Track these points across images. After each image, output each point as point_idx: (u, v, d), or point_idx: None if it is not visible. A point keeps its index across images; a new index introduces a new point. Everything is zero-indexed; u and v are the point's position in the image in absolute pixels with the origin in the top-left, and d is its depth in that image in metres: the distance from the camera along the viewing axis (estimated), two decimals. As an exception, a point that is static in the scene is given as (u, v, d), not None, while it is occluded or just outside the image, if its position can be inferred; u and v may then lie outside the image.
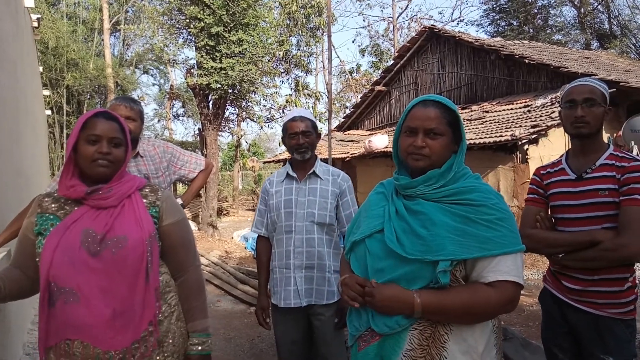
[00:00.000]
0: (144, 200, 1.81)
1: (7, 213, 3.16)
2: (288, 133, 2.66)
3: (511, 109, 10.27)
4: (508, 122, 9.11)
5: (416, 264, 1.49)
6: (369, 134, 13.94)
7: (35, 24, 7.90)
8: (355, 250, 1.68)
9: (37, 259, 1.69)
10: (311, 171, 2.66)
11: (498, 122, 9.52)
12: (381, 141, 10.76)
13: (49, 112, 14.04)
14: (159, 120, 26.51)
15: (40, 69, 10.56)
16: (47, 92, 12.99)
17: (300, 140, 2.61)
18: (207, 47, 12.12)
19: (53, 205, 1.77)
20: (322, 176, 2.66)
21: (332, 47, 11.23)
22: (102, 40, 19.81)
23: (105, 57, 18.87)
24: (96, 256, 1.66)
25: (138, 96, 23.36)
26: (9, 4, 4.98)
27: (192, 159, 3.15)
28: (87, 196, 1.73)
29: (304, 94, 19.59)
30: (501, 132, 8.40)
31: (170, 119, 24.95)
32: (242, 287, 6.64)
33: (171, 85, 21.93)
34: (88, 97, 19.63)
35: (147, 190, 1.86)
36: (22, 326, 4.03)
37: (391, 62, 16.77)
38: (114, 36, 22.44)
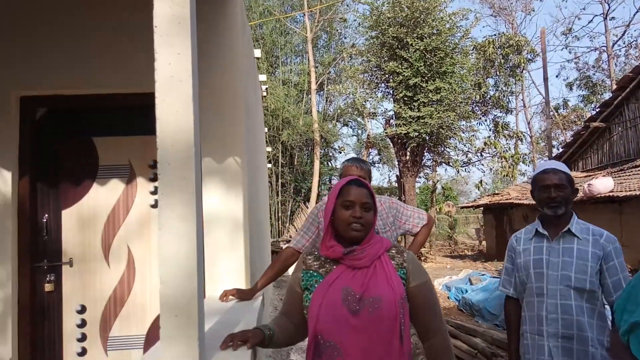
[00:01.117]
0: (392, 262, 1.93)
1: (258, 259, 3.70)
2: (538, 186, 2.49)
3: None
4: None
5: None
6: (585, 176, 12.37)
7: (265, 94, 9.37)
8: (636, 332, 1.48)
9: (305, 312, 1.93)
10: (565, 229, 2.42)
11: None
12: (605, 184, 9.44)
13: (269, 165, 16.23)
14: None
15: (265, 129, 12.34)
16: (269, 149, 15.08)
17: (553, 194, 2.42)
18: (405, 98, 12.58)
19: (315, 263, 2.01)
20: (579, 235, 2.40)
21: (534, 84, 10.48)
22: (310, 99, 22.25)
23: (312, 114, 21.10)
24: (356, 314, 1.81)
25: (339, 147, 25.35)
26: (255, 79, 6.05)
27: (415, 214, 3.25)
28: (344, 256, 1.92)
29: (504, 135, 18.57)
30: None
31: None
32: (454, 342, 6.40)
33: (368, 135, 23.22)
34: (297, 149, 22.07)
35: (393, 251, 1.98)
36: None
37: (609, 94, 14.80)
38: (319, 95, 25.00)
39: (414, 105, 12.35)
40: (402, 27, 12.42)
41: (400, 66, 12.26)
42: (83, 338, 3.25)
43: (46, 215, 3.30)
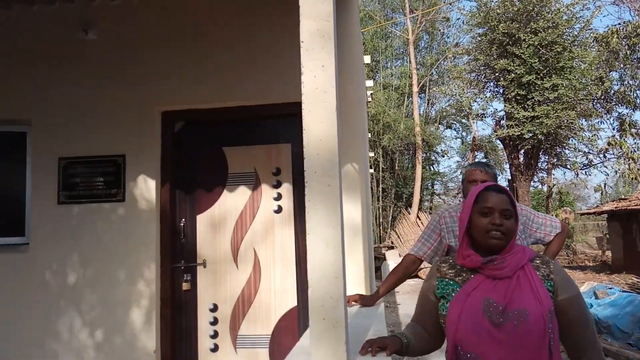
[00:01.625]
0: (537, 273, 1.81)
1: (369, 264, 3.68)
2: None
3: None
4: None
5: None
6: None
7: (369, 99, 9.44)
8: None
9: (441, 320, 1.88)
10: None
11: None
12: None
13: (370, 170, 16.24)
14: (461, 172, 27.19)
15: (370, 135, 12.39)
16: (371, 154, 15.10)
17: None
18: (518, 97, 11.87)
19: (450, 271, 1.96)
20: None
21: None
22: (411, 102, 21.91)
23: (414, 117, 20.75)
24: (499, 327, 1.72)
25: (442, 150, 24.59)
26: (364, 85, 6.13)
27: (547, 221, 3.03)
28: (483, 266, 1.84)
29: (631, 134, 16.68)
30: None
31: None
32: None
33: (473, 137, 22.27)
34: (399, 154, 21.81)
35: (538, 261, 1.86)
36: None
37: None
38: (420, 97, 24.53)
39: (527, 105, 11.61)
40: (513, 22, 11.76)
41: (511, 63, 11.60)
42: (215, 335, 3.50)
43: (183, 219, 3.61)
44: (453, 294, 1.92)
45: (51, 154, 3.58)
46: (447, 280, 1.98)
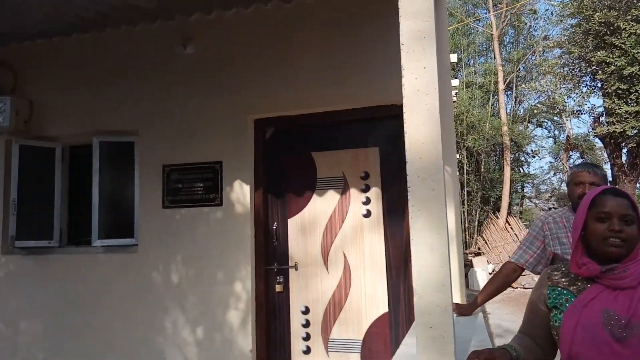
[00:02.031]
0: (665, 283, 1.63)
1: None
2: None
3: None
4: None
5: None
6: None
7: (454, 99, 9.16)
8: None
9: (553, 332, 1.76)
10: None
11: None
12: None
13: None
14: (554, 174, 25.41)
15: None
16: (457, 156, 14.62)
17: None
18: (619, 91, 10.88)
19: (563, 280, 1.82)
20: None
21: None
22: (497, 100, 20.91)
23: (500, 116, 19.77)
24: (622, 342, 1.57)
25: (532, 150, 23.18)
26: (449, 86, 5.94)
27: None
28: (602, 275, 1.70)
29: None
30: None
31: (567, 171, 23.51)
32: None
33: (567, 135, 20.75)
34: (484, 155, 20.89)
35: (665, 271, 1.68)
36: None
37: None
38: (506, 95, 23.34)
39: (630, 99, 10.59)
40: (611, 10, 10.81)
41: (610, 55, 10.66)
42: (307, 337, 3.55)
43: (275, 223, 3.72)
44: (567, 304, 1.79)
45: (156, 162, 3.86)
46: (559, 289, 1.86)
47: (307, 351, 3.54)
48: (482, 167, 20.74)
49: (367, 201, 3.56)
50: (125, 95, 4.01)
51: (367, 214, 3.55)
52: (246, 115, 3.72)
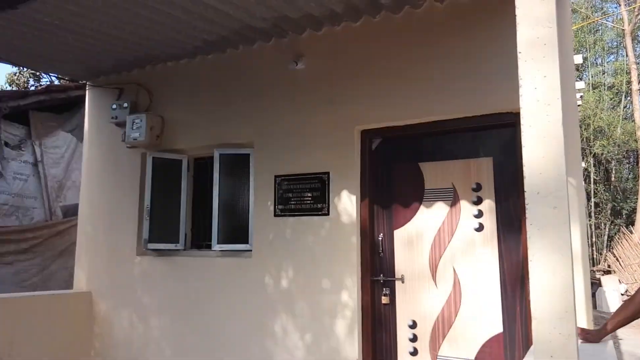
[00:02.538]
0: None
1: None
2: None
3: None
4: None
5: None
6: None
7: (579, 102, 8.38)
8: None
9: None
10: None
11: None
12: None
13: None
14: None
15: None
16: (583, 164, 13.33)
17: None
18: None
19: None
20: None
21: None
22: (630, 102, 18.70)
23: (634, 119, 17.64)
24: None
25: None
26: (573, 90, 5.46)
27: None
28: None
29: None
30: None
31: None
32: None
33: None
34: (615, 163, 18.78)
35: None
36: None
37: None
38: (642, 96, 20.74)
39: None
40: None
41: None
42: (415, 352, 3.47)
43: (381, 234, 3.71)
44: None
45: (269, 172, 4.07)
46: None
47: (414, 366, 3.46)
48: (613, 175, 18.66)
49: (479, 214, 3.39)
50: (243, 110, 4.29)
51: (480, 228, 3.38)
52: (353, 126, 3.77)
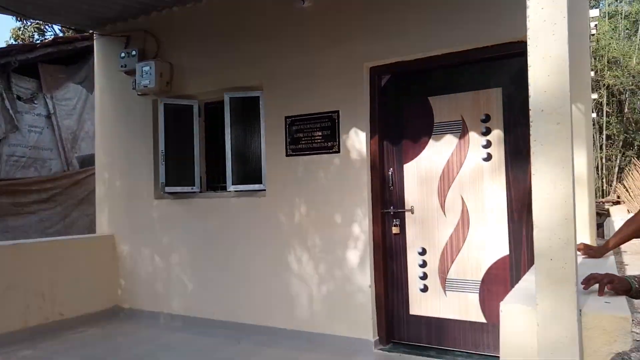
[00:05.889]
0: None
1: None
2: None
3: None
4: None
5: None
6: None
7: (594, 31, 8.10)
8: None
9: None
10: None
11: None
12: None
13: (592, 114, 14.12)
14: None
15: (592, 73, 10.74)
16: (593, 95, 13.10)
17: None
18: None
19: None
20: None
21: None
22: (647, 30, 18.01)
23: (651, 49, 17.09)
24: None
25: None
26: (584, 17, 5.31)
27: None
28: None
29: None
30: None
31: None
32: None
33: None
34: (629, 94, 18.39)
35: None
36: None
37: None
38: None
39: None
40: None
41: None
42: (424, 277, 3.66)
43: (391, 169, 3.80)
44: None
45: (279, 113, 4.13)
46: None
47: (425, 289, 3.66)
48: (626, 107, 18.32)
49: (488, 144, 3.46)
50: (251, 53, 4.29)
51: (488, 158, 3.46)
52: (362, 64, 3.77)
